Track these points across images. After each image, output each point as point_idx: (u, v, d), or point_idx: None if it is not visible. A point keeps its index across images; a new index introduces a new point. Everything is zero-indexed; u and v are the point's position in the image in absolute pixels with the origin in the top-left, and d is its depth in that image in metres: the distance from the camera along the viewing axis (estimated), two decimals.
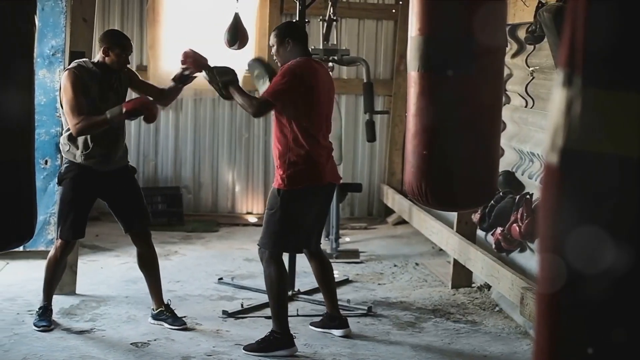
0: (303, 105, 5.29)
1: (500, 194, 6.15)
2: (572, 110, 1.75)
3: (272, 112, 5.44)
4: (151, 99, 5.67)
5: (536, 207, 5.64)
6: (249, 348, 5.32)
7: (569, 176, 1.79)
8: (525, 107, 6.12)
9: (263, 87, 5.51)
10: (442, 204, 4.94)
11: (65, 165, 5.62)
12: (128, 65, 5.68)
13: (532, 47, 5.83)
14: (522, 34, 6.13)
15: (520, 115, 6.39)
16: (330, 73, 6.01)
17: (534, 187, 6.00)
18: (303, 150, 5.30)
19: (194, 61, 5.55)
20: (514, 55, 6.50)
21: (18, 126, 3.49)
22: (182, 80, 5.72)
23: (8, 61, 3.37)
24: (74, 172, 5.56)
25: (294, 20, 6.72)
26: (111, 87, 5.55)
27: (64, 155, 5.66)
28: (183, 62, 5.60)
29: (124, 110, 5.35)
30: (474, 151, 4.54)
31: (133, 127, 9.10)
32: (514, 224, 5.77)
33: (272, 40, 5.46)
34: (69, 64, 5.72)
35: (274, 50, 5.48)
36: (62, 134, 5.73)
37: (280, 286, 5.37)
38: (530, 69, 5.95)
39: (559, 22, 4.97)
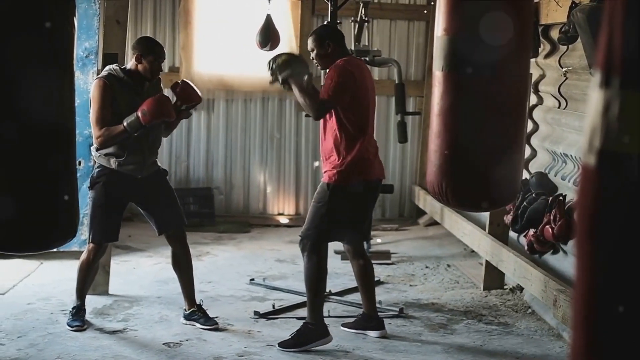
0: (355, 102, 5.31)
1: (533, 195, 6.11)
2: (609, 111, 1.74)
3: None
4: (166, 95, 5.66)
5: (569, 208, 5.60)
6: (284, 344, 5.34)
7: (606, 177, 1.78)
8: (559, 108, 6.08)
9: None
10: (462, 204, 4.92)
11: (98, 169, 5.63)
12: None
13: (566, 47, 5.80)
14: (555, 34, 6.10)
15: (553, 116, 6.35)
16: None
17: (567, 188, 5.96)
18: (354, 146, 5.33)
19: (187, 97, 5.60)
20: (547, 56, 6.47)
21: (60, 126, 3.53)
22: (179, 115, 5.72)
23: (49, 62, 3.40)
24: (107, 177, 5.58)
25: (327, 22, 6.72)
26: (141, 96, 5.51)
27: (96, 160, 5.68)
28: (178, 95, 5.62)
29: (142, 122, 5.36)
30: (497, 152, 4.52)
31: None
32: (547, 226, 5.73)
33: (311, 44, 5.44)
34: (102, 68, 5.73)
35: (313, 54, 5.46)
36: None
37: (318, 278, 5.41)
38: (564, 69, 5.91)
39: (592, 23, 4.93)
